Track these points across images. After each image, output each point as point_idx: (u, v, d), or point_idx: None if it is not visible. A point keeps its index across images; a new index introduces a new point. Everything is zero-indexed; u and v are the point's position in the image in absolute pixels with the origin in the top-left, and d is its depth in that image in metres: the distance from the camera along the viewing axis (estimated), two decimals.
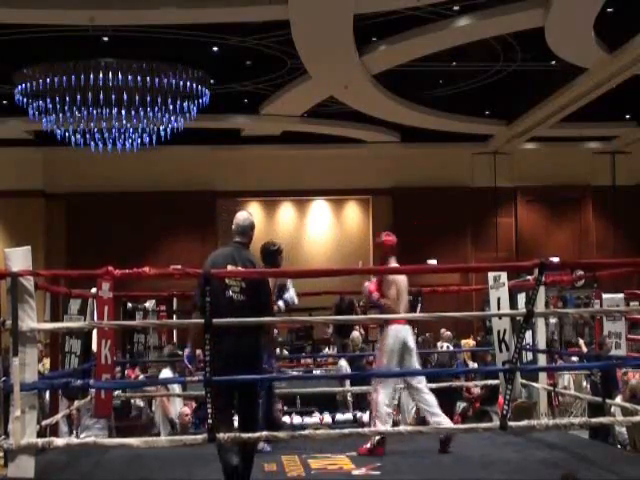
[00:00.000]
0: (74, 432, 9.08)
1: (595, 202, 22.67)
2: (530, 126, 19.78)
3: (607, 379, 8.62)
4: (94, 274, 5.78)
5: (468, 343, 14.94)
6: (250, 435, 5.42)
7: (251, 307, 5.47)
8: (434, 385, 9.74)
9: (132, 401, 10.39)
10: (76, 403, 7.64)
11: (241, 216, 5.79)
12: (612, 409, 8.42)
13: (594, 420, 6.57)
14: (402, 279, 7.07)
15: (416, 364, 7.01)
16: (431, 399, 6.89)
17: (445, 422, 6.71)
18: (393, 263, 7.08)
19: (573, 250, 21.64)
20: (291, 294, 7.16)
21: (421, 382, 6.96)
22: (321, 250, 22.23)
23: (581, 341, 12.65)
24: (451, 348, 13.01)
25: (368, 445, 6.69)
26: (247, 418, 5.60)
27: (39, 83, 14.54)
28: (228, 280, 5.48)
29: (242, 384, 5.47)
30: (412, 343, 6.98)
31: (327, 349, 14.66)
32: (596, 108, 17.94)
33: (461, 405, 11.18)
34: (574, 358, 10.11)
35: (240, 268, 5.56)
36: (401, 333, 6.87)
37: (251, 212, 5.97)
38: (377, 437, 6.65)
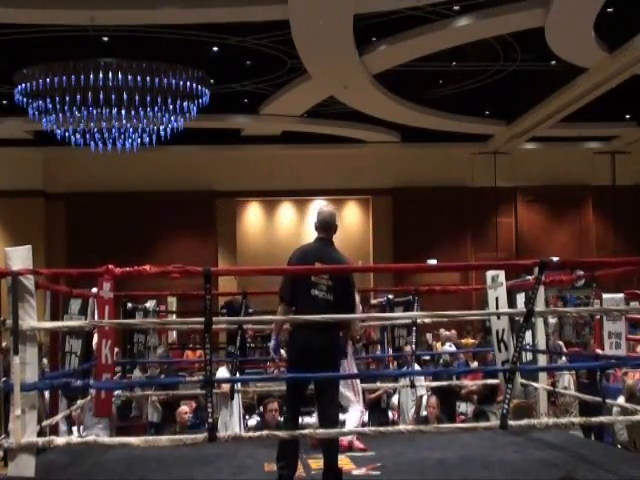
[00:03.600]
0: (74, 431, 9.11)
1: (595, 202, 22.68)
2: (530, 126, 19.79)
3: (596, 381, 8.63)
4: (94, 272, 5.78)
5: (468, 342, 14.96)
6: (250, 434, 5.43)
7: (335, 306, 5.41)
8: (434, 384, 9.84)
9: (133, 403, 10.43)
10: (77, 403, 7.64)
11: (326, 210, 5.67)
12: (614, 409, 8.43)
13: (594, 419, 6.57)
14: None
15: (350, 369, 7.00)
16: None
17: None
18: None
19: (573, 250, 21.66)
20: None
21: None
22: None
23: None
24: (453, 348, 13.03)
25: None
26: (323, 416, 5.59)
27: (39, 83, 14.53)
28: (314, 277, 5.41)
29: (317, 381, 5.47)
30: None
31: None
32: (596, 108, 17.95)
33: (461, 405, 11.18)
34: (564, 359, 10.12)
35: None
36: None
37: (329, 206, 5.82)
38: None
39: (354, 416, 7.16)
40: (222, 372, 9.22)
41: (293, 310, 5.53)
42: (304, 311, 5.37)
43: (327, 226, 5.57)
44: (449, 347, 13.66)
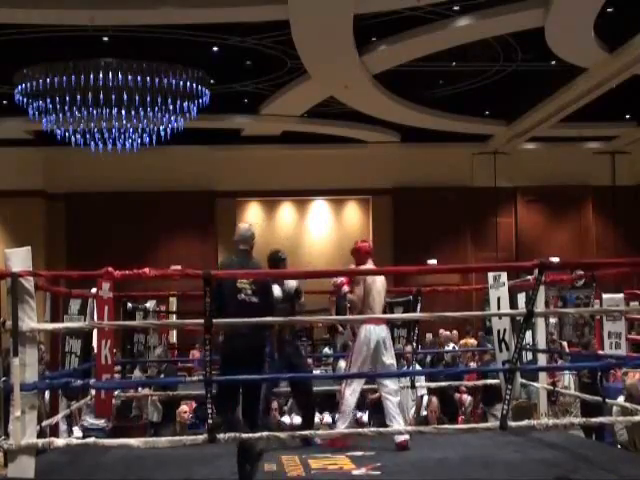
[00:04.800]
0: (75, 431, 9.13)
1: (595, 202, 22.66)
2: (530, 126, 19.79)
3: (598, 380, 8.64)
4: (94, 275, 5.78)
5: (468, 342, 14.94)
6: (250, 435, 5.44)
7: (260, 307, 5.80)
8: (433, 385, 9.84)
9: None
10: (75, 403, 7.65)
11: (243, 227, 6.23)
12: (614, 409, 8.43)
13: (594, 420, 6.57)
14: (376, 281, 7.30)
15: (389, 363, 7.22)
16: (392, 403, 7.14)
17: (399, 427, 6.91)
18: (369, 266, 7.41)
19: (573, 250, 21.63)
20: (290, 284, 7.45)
21: (390, 383, 7.24)
22: (321, 250, 22.24)
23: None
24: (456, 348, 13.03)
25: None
26: (249, 415, 5.86)
27: (39, 83, 14.52)
28: (239, 284, 5.80)
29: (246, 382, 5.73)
30: (387, 342, 7.22)
31: (326, 349, 14.67)
32: (596, 108, 17.94)
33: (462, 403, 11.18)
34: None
35: None
36: (372, 335, 7.12)
37: (251, 223, 6.46)
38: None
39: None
40: None
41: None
42: (233, 315, 5.68)
43: (245, 239, 6.15)
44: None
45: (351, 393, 7.14)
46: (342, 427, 7.04)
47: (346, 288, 7.35)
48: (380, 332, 7.16)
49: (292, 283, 7.55)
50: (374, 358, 7.13)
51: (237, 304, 5.77)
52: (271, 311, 5.95)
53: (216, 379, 5.33)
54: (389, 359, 7.21)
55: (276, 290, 7.17)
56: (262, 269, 6.16)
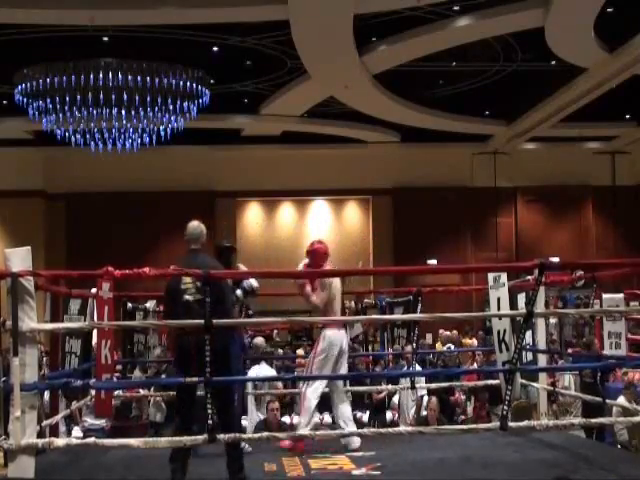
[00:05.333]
0: (75, 431, 9.13)
1: (595, 202, 22.67)
2: (530, 126, 19.79)
3: (603, 380, 8.64)
4: (94, 274, 5.78)
5: (467, 343, 14.95)
6: (250, 435, 5.44)
7: (211, 303, 5.45)
8: (433, 385, 9.83)
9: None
10: (75, 403, 7.65)
11: (192, 225, 6.17)
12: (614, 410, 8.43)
13: (594, 420, 6.57)
14: (337, 286, 7.32)
15: (345, 367, 7.36)
16: (345, 409, 7.25)
17: (353, 437, 6.87)
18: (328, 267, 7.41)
19: (573, 250, 21.64)
20: (249, 281, 7.23)
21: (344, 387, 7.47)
22: None
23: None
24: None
25: (287, 441, 6.86)
26: (223, 417, 5.63)
27: (39, 83, 14.53)
28: (183, 285, 5.67)
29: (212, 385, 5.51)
30: (345, 347, 7.35)
31: None
32: (596, 108, 17.94)
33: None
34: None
35: None
36: (336, 340, 7.21)
37: (200, 222, 6.32)
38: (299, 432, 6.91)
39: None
40: (263, 369, 9.20)
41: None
42: (181, 317, 5.60)
43: (194, 237, 6.10)
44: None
45: (313, 392, 7.10)
46: (305, 427, 6.98)
47: (309, 289, 7.24)
48: (342, 338, 7.28)
49: (254, 282, 7.32)
50: (335, 363, 7.17)
51: (182, 305, 5.62)
52: (224, 307, 5.70)
53: (216, 379, 5.32)
54: (343, 370, 7.30)
55: (254, 283, 7.12)
56: (211, 266, 5.81)
